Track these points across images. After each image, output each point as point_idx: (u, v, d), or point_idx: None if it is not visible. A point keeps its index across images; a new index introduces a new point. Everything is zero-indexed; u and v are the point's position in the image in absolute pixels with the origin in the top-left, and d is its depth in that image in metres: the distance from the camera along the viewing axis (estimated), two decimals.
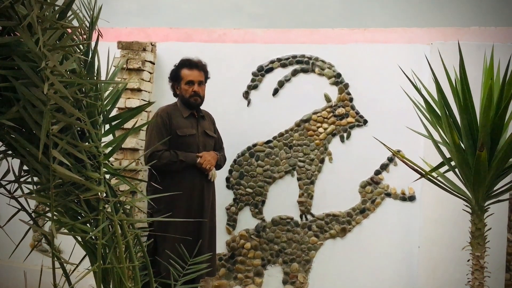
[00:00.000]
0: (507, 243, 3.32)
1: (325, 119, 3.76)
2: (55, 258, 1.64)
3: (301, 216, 3.76)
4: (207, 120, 3.40)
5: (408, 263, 3.53)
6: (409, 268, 3.52)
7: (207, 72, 3.35)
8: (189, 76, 3.24)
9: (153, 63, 4.04)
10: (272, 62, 3.89)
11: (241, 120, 3.88)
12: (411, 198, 3.57)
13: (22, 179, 1.64)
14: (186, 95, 3.24)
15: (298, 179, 3.78)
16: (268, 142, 3.85)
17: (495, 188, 2.43)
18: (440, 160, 2.60)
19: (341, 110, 3.73)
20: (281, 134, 3.84)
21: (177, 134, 3.15)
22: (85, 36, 1.68)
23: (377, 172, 3.65)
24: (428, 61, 2.77)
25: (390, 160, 3.63)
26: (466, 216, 2.52)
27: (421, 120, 2.71)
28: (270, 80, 3.88)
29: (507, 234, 3.33)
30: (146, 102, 3.85)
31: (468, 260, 2.48)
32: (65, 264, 1.73)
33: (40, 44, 1.30)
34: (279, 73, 3.87)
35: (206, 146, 3.28)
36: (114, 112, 1.87)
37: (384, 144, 2.83)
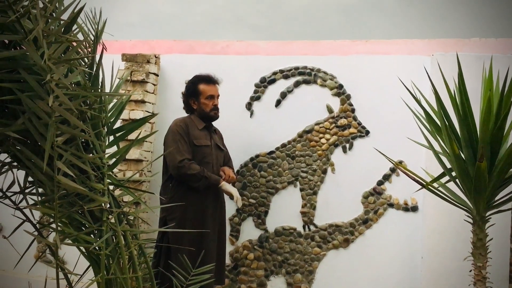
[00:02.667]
0: (510, 254, 3.31)
1: (328, 130, 3.78)
2: (59, 269, 1.65)
3: (304, 227, 3.76)
4: (217, 135, 3.49)
5: (411, 274, 3.52)
6: (412, 278, 3.52)
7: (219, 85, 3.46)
8: (209, 91, 3.33)
9: (157, 75, 4.07)
10: (274, 73, 3.92)
11: (244, 131, 3.91)
12: (414, 209, 3.57)
13: (27, 190, 1.67)
14: (207, 109, 3.32)
15: (301, 190, 3.79)
16: (271, 153, 3.87)
17: (496, 198, 2.43)
18: (442, 170, 2.61)
19: (343, 121, 3.75)
20: (283, 145, 3.85)
21: (194, 144, 3.23)
22: (89, 49, 1.71)
23: (380, 183, 3.66)
24: (427, 72, 2.79)
25: (393, 170, 3.64)
26: (469, 227, 2.53)
27: (422, 131, 2.72)
28: (273, 92, 3.91)
29: (510, 244, 3.32)
30: (150, 114, 3.88)
31: (470, 271, 2.48)
32: (69, 275, 1.75)
33: (46, 58, 1.33)
34: (282, 85, 3.90)
35: (218, 158, 3.36)
36: (118, 124, 1.89)
37: (385, 155, 2.84)
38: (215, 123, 3.46)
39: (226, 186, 3.27)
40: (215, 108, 3.34)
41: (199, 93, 3.32)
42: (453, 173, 2.52)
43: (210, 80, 3.36)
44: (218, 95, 3.39)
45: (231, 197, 3.34)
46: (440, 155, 2.59)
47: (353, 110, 3.74)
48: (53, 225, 1.59)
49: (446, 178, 2.61)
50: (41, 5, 1.40)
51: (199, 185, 3.15)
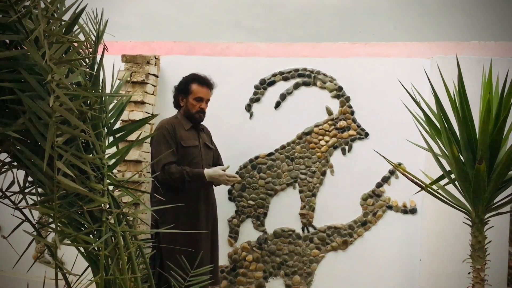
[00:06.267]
0: (509, 256, 3.32)
1: (327, 132, 3.78)
2: (58, 269, 1.65)
3: (302, 229, 3.77)
4: (206, 133, 3.45)
5: (410, 276, 3.52)
6: (410, 281, 3.52)
7: (213, 89, 3.39)
8: (199, 92, 3.28)
9: (157, 76, 4.08)
10: (274, 75, 3.93)
11: (243, 133, 3.91)
12: (413, 211, 3.58)
13: (26, 190, 1.66)
14: (193, 110, 3.28)
15: (300, 192, 3.79)
16: (270, 154, 3.87)
17: (495, 201, 2.44)
18: (441, 173, 2.62)
19: (342, 123, 3.75)
20: (283, 147, 3.86)
21: (182, 145, 3.18)
22: (90, 50, 1.71)
23: (379, 185, 3.66)
24: (427, 75, 2.80)
25: (392, 172, 3.64)
26: (467, 229, 2.53)
27: (421, 133, 2.73)
28: (272, 93, 3.92)
29: (509, 247, 3.33)
30: (150, 115, 3.88)
31: (469, 273, 2.48)
32: (67, 275, 1.75)
33: (47, 58, 1.33)
34: (281, 86, 3.91)
35: (206, 157, 3.32)
36: (117, 125, 1.89)
37: (384, 157, 2.85)
38: (212, 122, 3.43)
39: (211, 174, 3.14)
40: (201, 111, 3.29)
41: (189, 92, 3.29)
42: (452, 176, 2.53)
43: (203, 82, 3.31)
44: (208, 99, 3.34)
45: (227, 183, 3.22)
46: (439, 158, 2.59)
47: (352, 112, 3.75)
48: (53, 225, 1.59)
49: (445, 180, 2.62)
50: (42, 5, 1.40)
51: (185, 188, 3.12)
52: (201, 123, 3.40)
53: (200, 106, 3.28)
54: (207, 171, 3.16)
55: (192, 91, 3.28)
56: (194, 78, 3.32)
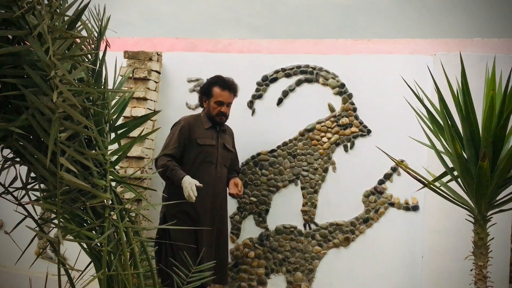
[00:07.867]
0: (511, 253, 3.31)
1: (329, 129, 3.77)
2: (61, 265, 1.66)
3: (304, 225, 3.77)
4: (228, 134, 3.48)
5: (412, 273, 3.52)
6: (412, 278, 3.52)
7: (237, 92, 3.44)
8: (220, 96, 3.32)
9: (159, 73, 4.07)
10: (276, 72, 3.92)
11: (246, 129, 3.90)
12: (415, 208, 3.57)
13: (29, 186, 1.67)
14: (213, 112, 3.32)
15: (302, 188, 3.79)
16: (272, 151, 3.87)
17: (497, 198, 2.43)
18: (443, 170, 2.61)
19: (344, 120, 3.74)
20: (285, 144, 3.85)
21: (197, 143, 3.23)
22: (93, 46, 1.71)
23: (381, 182, 3.66)
24: (430, 72, 2.79)
25: (394, 169, 3.64)
26: (470, 226, 2.53)
27: (424, 130, 2.72)
28: (275, 90, 3.91)
29: (511, 244, 3.32)
30: (152, 111, 3.89)
31: (471, 270, 2.48)
32: (70, 271, 1.75)
33: (50, 54, 1.33)
34: (284, 83, 3.90)
35: (223, 158, 3.36)
36: (120, 121, 1.89)
37: (387, 154, 2.84)
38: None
39: (185, 184, 3.05)
40: (222, 114, 3.33)
41: (211, 95, 3.34)
42: (455, 173, 2.52)
43: (225, 85, 3.34)
44: (230, 103, 3.38)
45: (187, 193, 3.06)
46: (442, 154, 2.59)
47: (354, 109, 3.74)
48: (55, 221, 1.59)
49: (448, 177, 2.61)
50: (46, 1, 1.40)
51: (170, 182, 3.16)
52: (227, 125, 3.47)
53: (220, 110, 3.32)
54: (186, 178, 3.06)
55: (213, 94, 3.33)
56: (217, 81, 3.36)
